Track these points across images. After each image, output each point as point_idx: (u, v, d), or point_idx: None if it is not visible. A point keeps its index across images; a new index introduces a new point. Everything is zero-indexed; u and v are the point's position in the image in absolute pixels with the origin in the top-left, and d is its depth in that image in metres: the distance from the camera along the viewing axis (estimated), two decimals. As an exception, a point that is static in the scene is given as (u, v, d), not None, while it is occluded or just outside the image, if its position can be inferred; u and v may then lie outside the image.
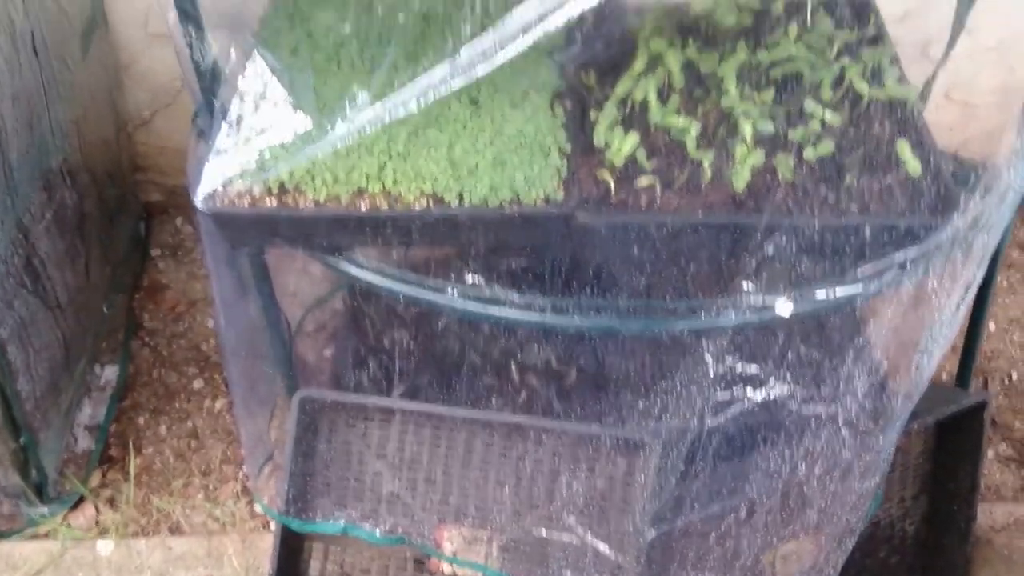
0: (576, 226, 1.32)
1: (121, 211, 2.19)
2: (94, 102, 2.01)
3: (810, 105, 1.36)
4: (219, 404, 2.03)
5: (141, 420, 2.02)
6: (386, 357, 1.74)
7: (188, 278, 2.26)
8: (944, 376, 2.03)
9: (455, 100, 1.46)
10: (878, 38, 1.55)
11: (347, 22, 1.61)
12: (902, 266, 1.19)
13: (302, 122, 1.32)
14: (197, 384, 2.08)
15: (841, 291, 1.22)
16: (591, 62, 1.50)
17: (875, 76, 1.46)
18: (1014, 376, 2.13)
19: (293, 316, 1.94)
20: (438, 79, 1.18)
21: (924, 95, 1.59)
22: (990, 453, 1.95)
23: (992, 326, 2.21)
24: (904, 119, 1.39)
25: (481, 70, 1.14)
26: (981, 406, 1.54)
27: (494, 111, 1.43)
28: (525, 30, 1.10)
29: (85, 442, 1.98)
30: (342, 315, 1.88)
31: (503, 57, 1.13)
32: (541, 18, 1.09)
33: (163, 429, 2.01)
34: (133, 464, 1.93)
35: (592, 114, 1.45)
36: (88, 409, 2.02)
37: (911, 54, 2.23)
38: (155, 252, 2.33)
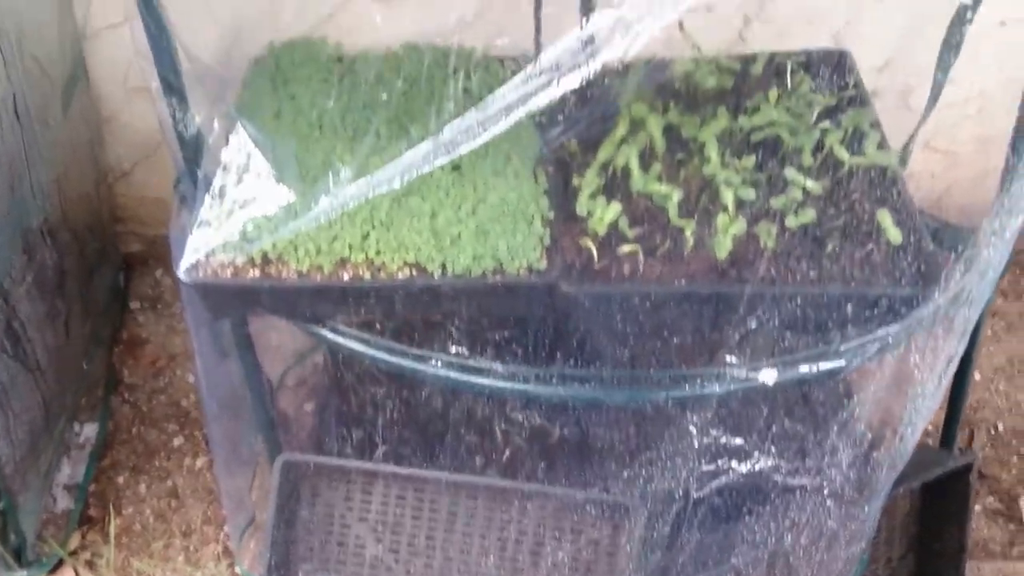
0: (559, 295, 1.32)
1: (101, 264, 2.17)
2: (75, 158, 2.00)
3: (791, 173, 1.36)
4: (199, 462, 2.01)
5: (121, 479, 2.00)
6: (368, 416, 1.73)
7: (168, 331, 2.24)
8: (929, 427, 2.03)
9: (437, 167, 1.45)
10: (858, 99, 1.56)
11: (329, 87, 1.61)
12: (884, 340, 1.19)
13: (285, 195, 1.31)
14: (177, 441, 2.06)
15: (823, 365, 1.21)
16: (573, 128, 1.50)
17: (856, 140, 1.46)
18: (1000, 427, 2.13)
19: (274, 369, 1.93)
20: (421, 157, 1.18)
21: (904, 157, 1.60)
22: (977, 507, 1.95)
23: (977, 375, 2.22)
24: (885, 186, 1.40)
25: (464, 148, 1.13)
26: (967, 468, 1.54)
27: (476, 178, 1.43)
28: (508, 111, 1.10)
29: (64, 502, 1.96)
30: (323, 370, 1.87)
31: (486, 137, 1.12)
32: (524, 100, 1.09)
33: (143, 488, 1.99)
34: (113, 525, 1.91)
35: (575, 180, 1.45)
36: (67, 468, 2.00)
37: (892, 104, 2.26)
38: (134, 304, 2.31)
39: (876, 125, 1.52)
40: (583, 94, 1.50)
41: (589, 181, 1.40)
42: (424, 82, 1.60)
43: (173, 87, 1.28)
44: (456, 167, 1.48)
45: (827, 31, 2.17)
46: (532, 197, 1.41)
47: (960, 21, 1.37)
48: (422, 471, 1.56)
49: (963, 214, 2.43)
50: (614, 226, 1.38)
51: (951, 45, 1.41)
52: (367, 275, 1.34)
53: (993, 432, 2.13)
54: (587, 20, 1.05)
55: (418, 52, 1.69)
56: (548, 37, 1.89)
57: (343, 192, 1.26)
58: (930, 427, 1.99)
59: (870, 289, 1.28)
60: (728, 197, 1.36)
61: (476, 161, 1.48)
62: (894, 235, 1.33)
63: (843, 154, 1.41)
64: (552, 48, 1.07)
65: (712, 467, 1.36)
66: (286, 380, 2.03)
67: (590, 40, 1.07)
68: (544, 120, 1.52)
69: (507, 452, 1.66)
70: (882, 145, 1.47)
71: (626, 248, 1.36)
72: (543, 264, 1.33)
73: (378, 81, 1.60)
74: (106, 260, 2.23)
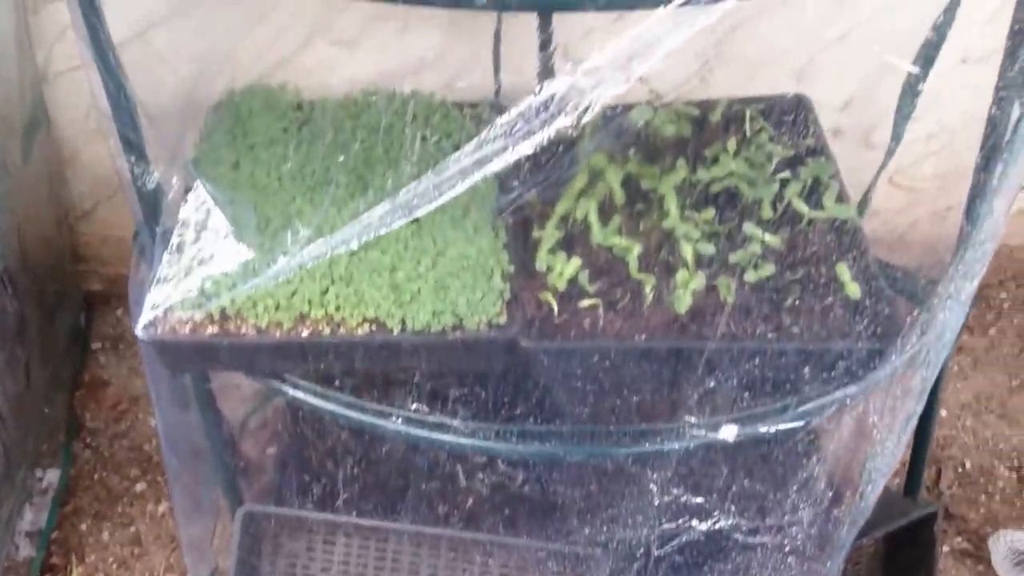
0: (519, 351, 1.31)
1: (62, 305, 2.15)
2: (36, 201, 1.98)
3: (749, 227, 1.37)
4: (162, 508, 1.99)
5: (83, 526, 1.98)
6: (330, 466, 1.72)
7: (129, 373, 2.22)
8: (898, 464, 2.03)
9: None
10: (817, 149, 1.57)
11: (288, 137, 1.61)
12: (841, 401, 1.20)
13: (243, 253, 1.30)
14: (140, 487, 2.03)
15: (781, 424, 1.21)
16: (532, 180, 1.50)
17: (815, 192, 1.47)
18: (967, 464, 2.14)
19: (238, 411, 1.91)
20: (378, 218, 1.18)
21: (864, 204, 1.61)
22: (945, 548, 1.96)
23: (944, 412, 2.23)
24: (844, 239, 1.40)
25: (422, 211, 1.13)
26: (931, 517, 1.54)
27: (436, 231, 1.43)
28: (464, 175, 1.10)
29: (26, 550, 1.93)
30: (285, 417, 1.86)
31: (443, 199, 1.12)
32: (480, 164, 1.09)
33: (105, 535, 1.96)
34: (75, 573, 1.88)
35: (535, 233, 1.44)
36: (29, 515, 1.97)
37: (855, 142, 2.29)
38: (96, 345, 2.29)
39: (835, 175, 1.53)
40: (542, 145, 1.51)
41: (548, 235, 1.39)
42: (383, 131, 1.59)
43: (132, 144, 1.27)
44: (416, 219, 1.48)
45: (790, 70, 2.19)
46: (492, 251, 1.41)
47: (912, 92, 1.38)
48: (384, 523, 1.55)
49: (926, 250, 2.45)
50: (574, 280, 1.38)
51: (904, 115, 1.42)
52: (326, 331, 1.33)
53: (960, 470, 2.14)
54: (540, 88, 1.04)
55: (377, 98, 1.68)
56: (508, 77, 1.90)
57: (301, 253, 1.25)
58: (899, 464, 2.00)
59: (828, 345, 1.29)
60: (687, 252, 1.36)
61: (435, 214, 1.47)
62: (852, 289, 1.33)
63: (802, 207, 1.42)
64: (506, 115, 1.07)
65: (673, 524, 1.35)
66: (249, 423, 2.01)
67: (544, 107, 1.07)
68: (503, 172, 1.52)
69: (470, 504, 1.65)
70: (841, 197, 1.47)
71: (586, 302, 1.36)
72: (503, 319, 1.33)
73: (337, 130, 1.60)
74: (67, 301, 2.20)
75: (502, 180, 1.49)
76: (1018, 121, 1.00)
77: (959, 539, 2.02)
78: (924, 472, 1.67)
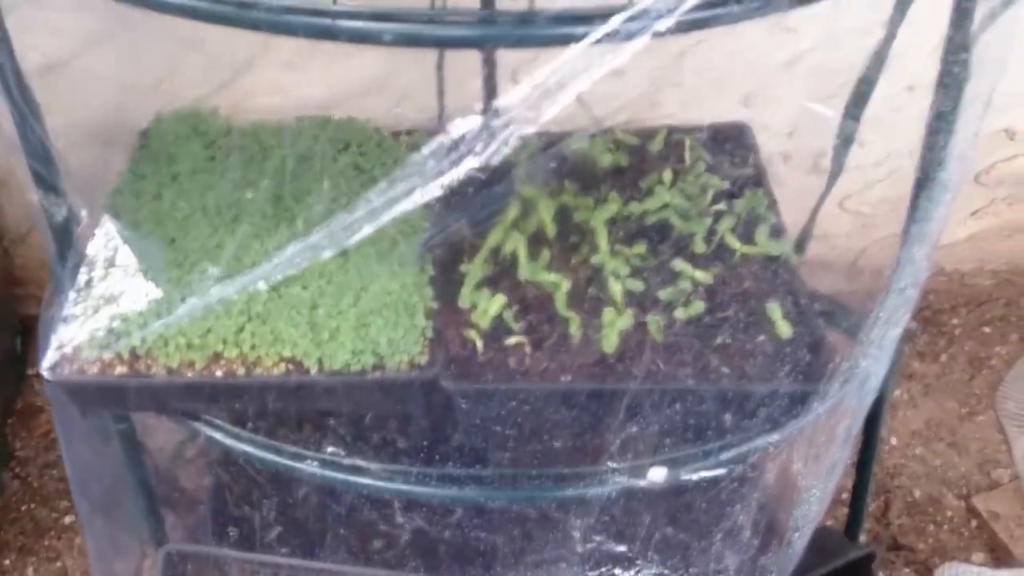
0: (441, 392, 1.27)
1: (-2, 330, 2.09)
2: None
3: (680, 264, 1.33)
4: (91, 542, 1.93)
5: (8, 561, 1.92)
6: (254, 504, 1.67)
7: (65, 400, 2.15)
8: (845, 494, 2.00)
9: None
10: (756, 180, 1.54)
11: (214, 165, 1.56)
12: (762, 448, 1.16)
13: (152, 290, 1.26)
14: (68, 519, 1.98)
15: (704, 471, 1.18)
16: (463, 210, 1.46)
17: (750, 225, 1.44)
18: (917, 493, 2.12)
19: (172, 438, 1.86)
20: (298, 253, 1.14)
21: (804, 239, 1.59)
22: (894, 581, 1.93)
23: (894, 440, 2.21)
24: (777, 275, 1.37)
25: (342, 246, 1.09)
26: (869, 557, 1.51)
27: (360, 264, 1.38)
28: (382, 211, 1.06)
29: (-51, 586, 1.87)
30: (210, 451, 1.81)
31: (364, 233, 1.08)
32: (392, 202, 1.05)
33: (31, 571, 1.90)
34: (-3, 611, 1.83)
35: (463, 267, 1.40)
36: (-46, 549, 1.91)
37: (803, 168, 2.27)
38: (31, 371, 2.22)
39: (772, 207, 1.50)
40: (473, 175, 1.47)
41: (475, 270, 1.36)
42: (313, 160, 1.55)
43: (41, 176, 1.23)
44: (342, 252, 1.44)
45: (738, 95, 2.16)
46: (416, 286, 1.36)
47: (845, 144, 1.36)
48: (307, 562, 1.51)
49: (877, 277, 2.44)
50: (500, 318, 1.34)
51: (839, 153, 1.39)
52: (241, 371, 1.28)
53: (909, 499, 2.11)
54: (447, 127, 1.00)
55: (309, 125, 1.64)
56: (454, 100, 1.87)
57: (216, 289, 1.21)
58: (845, 494, 1.97)
59: (755, 388, 1.25)
60: (616, 289, 1.33)
61: (361, 247, 1.43)
62: (783, 329, 1.30)
63: (734, 242, 1.39)
64: (416, 155, 1.03)
65: (596, 572, 1.31)
66: (185, 451, 1.96)
67: (455, 146, 1.03)
68: (434, 203, 1.48)
69: (393, 544, 1.61)
70: (777, 230, 1.44)
71: (512, 340, 1.32)
72: (424, 359, 1.29)
73: (264, 158, 1.55)
74: (2, 325, 2.14)
75: (433, 212, 1.45)
76: (935, 167, 0.97)
77: (907, 570, 2.00)
78: (865, 510, 1.64)
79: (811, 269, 1.56)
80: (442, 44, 1.26)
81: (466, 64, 1.85)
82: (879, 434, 1.46)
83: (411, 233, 1.45)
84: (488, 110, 1.02)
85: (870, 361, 1.07)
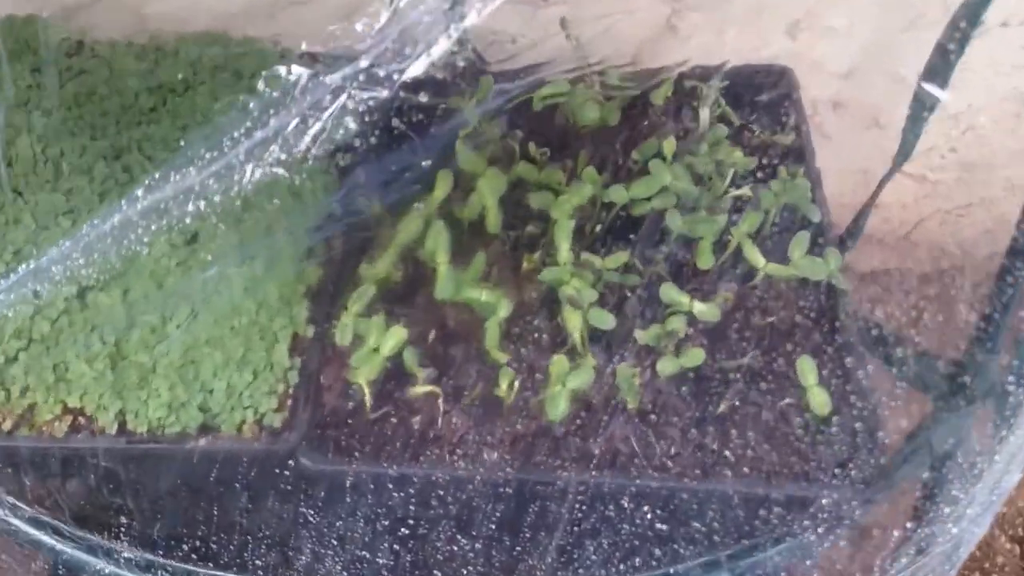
0: (304, 471, 0.84)
1: None
2: None
3: (670, 292, 0.87)
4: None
5: None
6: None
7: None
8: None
9: (161, 237, 0.95)
10: (796, 151, 1.07)
11: (41, 95, 1.11)
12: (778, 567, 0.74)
13: None
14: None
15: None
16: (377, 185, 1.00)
17: (783, 227, 0.98)
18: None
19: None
20: (111, 233, 0.70)
21: (852, 233, 1.12)
22: None
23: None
24: (816, 310, 0.91)
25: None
26: None
27: (207, 260, 0.94)
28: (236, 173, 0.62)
29: None
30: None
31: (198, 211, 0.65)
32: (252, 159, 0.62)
33: None
34: None
35: (362, 269, 0.95)
36: None
37: (858, 120, 1.78)
38: None
39: (815, 193, 1.03)
40: (390, 129, 1.02)
41: (362, 291, 0.90)
42: (183, 98, 1.09)
43: None
44: (192, 238, 0.99)
45: (782, 22, 1.67)
46: (283, 305, 0.92)
47: (923, 111, 0.88)
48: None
49: (934, 256, 1.94)
50: (399, 358, 0.89)
51: (914, 129, 0.92)
52: (6, 425, 0.85)
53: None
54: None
55: (190, 48, 1.18)
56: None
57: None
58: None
59: (770, 489, 0.81)
60: (574, 324, 0.87)
61: (226, 228, 0.99)
62: (819, 401, 0.85)
63: (756, 255, 0.92)
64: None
65: None
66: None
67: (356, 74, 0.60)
68: (337, 170, 1.03)
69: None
70: (820, 233, 0.97)
71: (419, 390, 0.88)
72: (280, 418, 0.85)
73: (112, 94, 1.10)
74: None
75: (326, 184, 1.00)
76: None
77: None
78: None
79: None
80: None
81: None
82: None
83: (290, 215, 0.99)
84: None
85: (967, 527, 0.62)
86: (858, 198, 1.26)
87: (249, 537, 0.87)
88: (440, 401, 0.89)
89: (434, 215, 0.98)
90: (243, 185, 0.71)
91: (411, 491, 0.85)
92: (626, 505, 0.84)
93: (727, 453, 0.85)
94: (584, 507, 0.84)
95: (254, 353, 0.87)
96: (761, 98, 1.17)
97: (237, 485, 0.85)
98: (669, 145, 1.02)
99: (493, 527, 0.85)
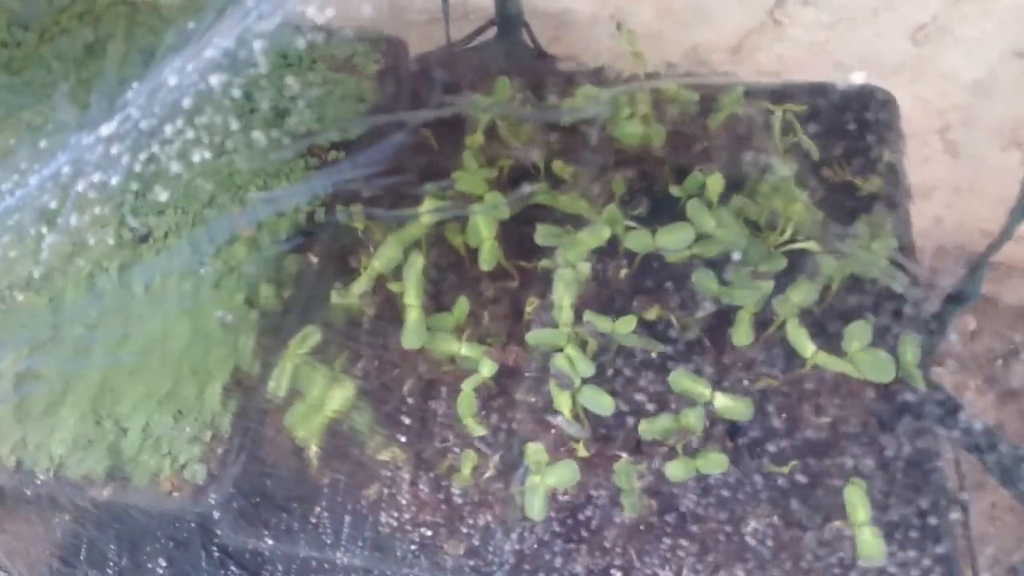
0: (225, 539, 0.70)
1: None
2: None
3: (684, 380, 0.70)
4: None
5: None
6: None
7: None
8: None
9: (108, 234, 0.82)
10: (886, 196, 0.87)
11: None
12: None
13: None
14: None
15: None
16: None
17: (848, 302, 0.79)
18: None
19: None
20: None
21: (968, 292, 0.92)
22: None
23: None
24: (876, 417, 0.72)
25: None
26: None
27: (135, 272, 0.80)
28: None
29: None
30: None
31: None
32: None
33: None
34: None
35: (333, 295, 0.80)
36: None
37: (990, 136, 1.55)
38: None
39: (903, 257, 0.83)
40: (373, 141, 0.86)
41: (308, 332, 0.75)
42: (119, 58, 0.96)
43: None
44: (143, 237, 0.85)
45: (906, 26, 1.45)
46: (225, 335, 0.77)
47: None
48: None
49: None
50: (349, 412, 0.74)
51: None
52: None
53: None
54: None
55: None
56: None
57: None
58: None
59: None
60: (563, 404, 0.70)
61: (152, 248, 0.84)
62: (871, 548, 0.66)
63: (803, 343, 0.73)
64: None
65: None
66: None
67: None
68: (317, 169, 0.88)
69: None
70: (899, 318, 0.78)
71: (385, 455, 0.73)
72: (204, 471, 0.71)
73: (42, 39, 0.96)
74: None
75: (296, 183, 0.85)
76: None
77: None
78: None
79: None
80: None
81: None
82: None
83: (264, 228, 0.85)
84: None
85: None
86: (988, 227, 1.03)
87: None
88: (404, 472, 0.73)
89: (412, 238, 0.81)
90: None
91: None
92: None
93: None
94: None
95: (183, 389, 0.73)
96: (851, 127, 0.97)
97: (151, 544, 0.71)
98: (715, 182, 0.83)
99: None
